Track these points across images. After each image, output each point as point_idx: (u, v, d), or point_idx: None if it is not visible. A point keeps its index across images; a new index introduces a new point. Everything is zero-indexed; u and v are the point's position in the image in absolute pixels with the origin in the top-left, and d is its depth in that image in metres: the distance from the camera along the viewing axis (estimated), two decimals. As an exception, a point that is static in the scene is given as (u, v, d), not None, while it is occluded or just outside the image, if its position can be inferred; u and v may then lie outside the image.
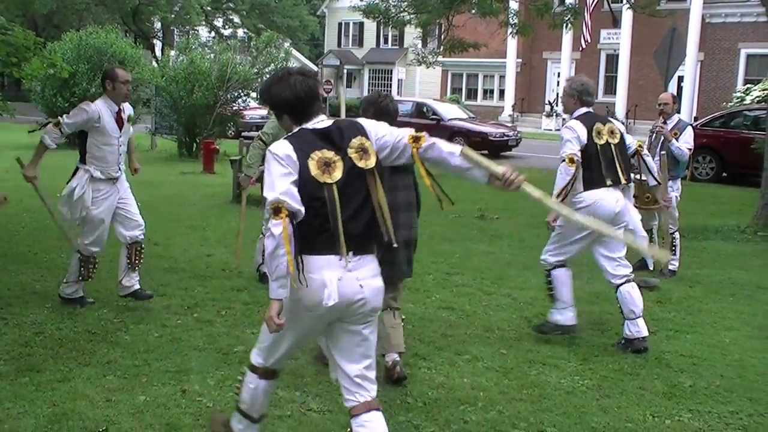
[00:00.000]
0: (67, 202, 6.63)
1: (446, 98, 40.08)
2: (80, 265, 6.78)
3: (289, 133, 3.78)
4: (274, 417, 4.82)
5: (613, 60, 37.77)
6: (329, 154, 3.65)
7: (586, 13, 31.17)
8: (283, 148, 3.64)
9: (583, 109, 6.48)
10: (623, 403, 5.28)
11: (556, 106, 35.84)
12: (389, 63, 52.10)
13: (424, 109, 27.45)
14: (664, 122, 8.96)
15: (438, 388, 5.40)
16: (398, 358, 5.51)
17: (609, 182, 6.36)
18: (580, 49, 35.27)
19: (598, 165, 6.32)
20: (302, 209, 3.54)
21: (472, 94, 43.92)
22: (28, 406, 4.85)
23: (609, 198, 6.33)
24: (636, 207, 9.01)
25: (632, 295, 6.37)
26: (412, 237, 5.51)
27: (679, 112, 10.83)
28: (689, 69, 31.78)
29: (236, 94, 21.39)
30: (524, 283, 8.21)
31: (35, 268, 8.15)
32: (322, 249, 3.60)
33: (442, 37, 21.68)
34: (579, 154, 6.26)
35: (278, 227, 3.44)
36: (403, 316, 5.78)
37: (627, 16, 33.21)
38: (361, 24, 50.88)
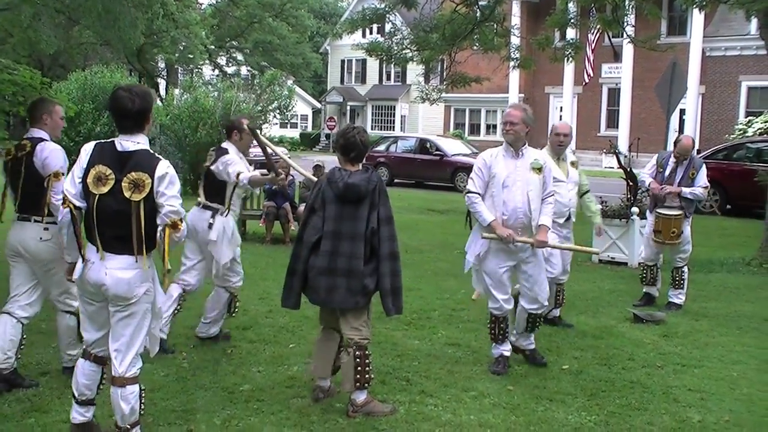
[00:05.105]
0: (226, 244, 6.86)
1: (449, 134, 40.31)
2: (231, 301, 7.18)
3: (102, 141, 4.64)
4: (281, 456, 4.80)
5: (614, 94, 37.98)
6: (107, 171, 4.45)
7: (587, 48, 31.38)
8: (86, 150, 4.54)
9: None
10: (632, 439, 5.24)
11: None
12: (392, 99, 52.44)
13: (428, 145, 27.60)
14: (677, 164, 8.97)
15: (445, 425, 5.36)
16: (353, 397, 5.48)
17: None
18: (583, 83, 35.49)
19: None
20: (82, 204, 4.49)
21: (475, 129, 44.13)
22: (34, 447, 4.84)
23: None
24: (657, 242, 9.05)
25: None
26: (354, 268, 5.40)
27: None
28: (691, 102, 31.96)
29: (240, 131, 21.48)
30: (530, 318, 8.18)
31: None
32: (88, 239, 4.54)
33: (445, 73, 21.81)
34: None
35: (61, 214, 4.59)
36: (358, 353, 5.48)
37: (628, 51, 33.50)
38: (364, 61, 51.34)
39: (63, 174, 5.61)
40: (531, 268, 6.46)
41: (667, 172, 9.07)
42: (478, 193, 6.37)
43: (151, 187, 4.44)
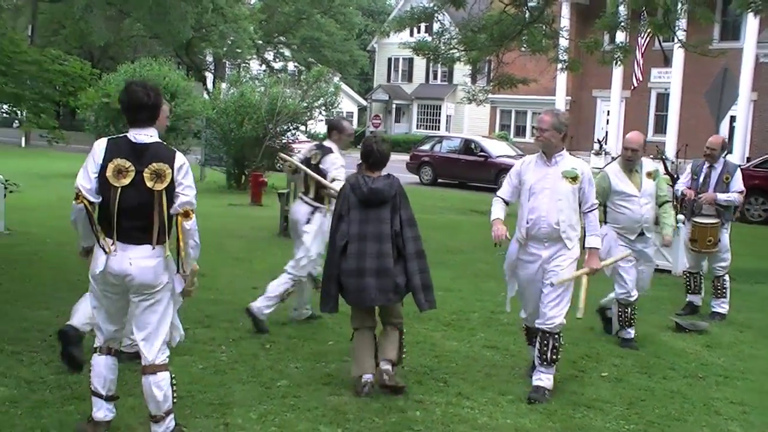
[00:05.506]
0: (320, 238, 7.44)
1: (494, 135, 40.12)
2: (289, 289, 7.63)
3: (114, 136, 4.77)
4: (316, 453, 4.81)
5: (663, 99, 37.44)
6: (127, 164, 4.53)
7: (637, 52, 30.96)
8: (100, 146, 4.61)
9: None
10: (670, 450, 5.16)
11: (605, 144, 35.63)
12: (438, 99, 52.35)
13: (472, 146, 27.54)
14: (711, 166, 8.84)
15: (481, 428, 5.33)
16: (388, 367, 5.81)
17: None
18: (631, 87, 35.07)
19: None
20: (96, 199, 4.54)
21: (520, 131, 43.85)
22: (73, 434, 4.89)
23: None
24: (694, 251, 8.91)
25: None
26: (383, 266, 5.73)
27: (731, 152, 10.67)
28: (742, 109, 31.40)
29: (285, 127, 21.59)
30: (570, 323, 8.09)
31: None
32: (107, 231, 4.57)
33: (492, 74, 21.69)
34: None
35: (75, 208, 4.56)
36: (401, 329, 6.10)
37: (678, 55, 32.95)
38: (411, 60, 51.26)
39: None
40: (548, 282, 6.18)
41: (701, 179, 8.93)
42: (501, 198, 6.30)
43: (172, 177, 4.59)
